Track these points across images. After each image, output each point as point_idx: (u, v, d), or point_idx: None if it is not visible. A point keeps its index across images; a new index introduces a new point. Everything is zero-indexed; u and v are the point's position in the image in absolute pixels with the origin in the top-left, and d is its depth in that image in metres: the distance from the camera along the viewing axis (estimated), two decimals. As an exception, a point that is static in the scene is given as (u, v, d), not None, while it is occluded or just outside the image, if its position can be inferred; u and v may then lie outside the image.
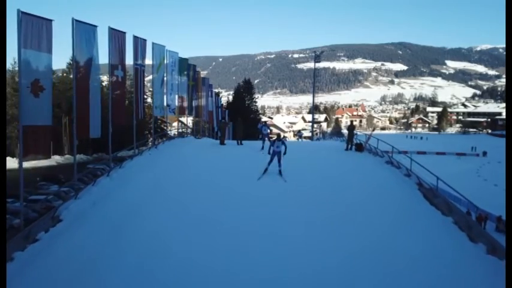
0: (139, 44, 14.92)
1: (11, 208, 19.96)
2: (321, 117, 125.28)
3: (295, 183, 11.37)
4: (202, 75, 27.26)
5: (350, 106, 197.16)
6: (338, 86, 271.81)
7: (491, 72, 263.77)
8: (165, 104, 18.46)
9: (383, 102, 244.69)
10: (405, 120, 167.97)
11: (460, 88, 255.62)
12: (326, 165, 13.75)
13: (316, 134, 66.29)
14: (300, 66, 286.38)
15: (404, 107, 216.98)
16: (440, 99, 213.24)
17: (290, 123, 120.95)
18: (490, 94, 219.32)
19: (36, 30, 8.42)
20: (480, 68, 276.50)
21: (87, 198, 9.74)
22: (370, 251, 7.54)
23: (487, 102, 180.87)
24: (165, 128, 49.15)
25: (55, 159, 48.98)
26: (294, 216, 9.13)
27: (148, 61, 16.30)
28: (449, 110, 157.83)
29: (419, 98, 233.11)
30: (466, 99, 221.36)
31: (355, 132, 17.41)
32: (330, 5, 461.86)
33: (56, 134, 52.48)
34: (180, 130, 28.12)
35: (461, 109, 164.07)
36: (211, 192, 10.49)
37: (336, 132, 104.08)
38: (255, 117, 67.94)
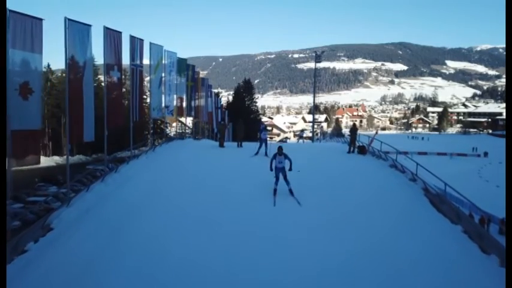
0: (136, 44, 14.51)
1: (9, 210, 19.50)
2: (321, 117, 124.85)
3: (295, 187, 10.92)
4: (202, 75, 26.87)
5: (350, 106, 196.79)
6: (338, 86, 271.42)
7: (492, 72, 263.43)
8: (163, 105, 18.08)
9: (383, 102, 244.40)
10: (405, 120, 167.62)
11: (460, 88, 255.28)
12: (327, 169, 13.30)
13: (317, 134, 65.83)
14: (300, 66, 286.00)
15: (404, 107, 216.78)
16: (440, 99, 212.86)
17: (290, 123, 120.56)
18: (490, 94, 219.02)
19: (26, 29, 8.02)
20: (480, 68, 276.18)
21: (79, 205, 9.33)
22: (375, 262, 7.17)
23: (487, 102, 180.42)
24: (165, 128, 48.87)
25: (54, 160, 48.65)
26: (294, 221, 8.86)
27: (146, 61, 15.93)
28: (449, 110, 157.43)
29: (419, 98, 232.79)
30: (466, 99, 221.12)
31: (357, 134, 17.02)
32: (330, 5, 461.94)
33: (55, 134, 52.13)
34: (180, 130, 27.71)
35: (462, 109, 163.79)
36: (210, 199, 10.10)
37: (337, 132, 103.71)
38: (255, 118, 67.61)
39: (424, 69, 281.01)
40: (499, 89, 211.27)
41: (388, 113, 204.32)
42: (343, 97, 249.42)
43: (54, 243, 7.71)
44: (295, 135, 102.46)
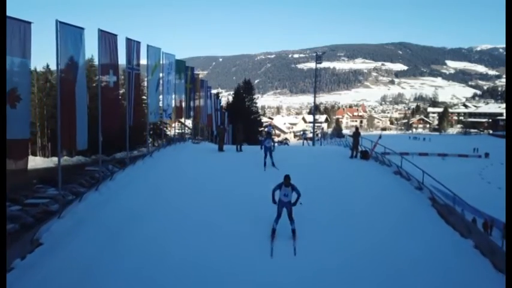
0: (133, 46, 14.08)
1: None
2: (322, 117, 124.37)
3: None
4: (202, 76, 26.53)
5: (350, 106, 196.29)
6: (338, 86, 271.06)
7: (492, 72, 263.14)
8: (161, 104, 17.70)
9: (383, 102, 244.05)
10: (406, 120, 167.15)
11: (461, 88, 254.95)
12: (329, 176, 12.77)
13: (317, 135, 65.33)
14: (300, 66, 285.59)
15: (404, 107, 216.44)
16: (440, 99, 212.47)
17: (290, 124, 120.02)
18: (490, 94, 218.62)
19: (13, 33, 7.58)
20: (480, 68, 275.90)
21: (71, 217, 8.88)
22: (381, 279, 6.77)
23: (487, 103, 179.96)
24: (164, 128, 48.49)
25: (53, 161, 48.22)
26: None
27: (144, 61, 15.51)
28: (450, 110, 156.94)
29: (419, 98, 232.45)
30: (467, 99, 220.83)
31: (360, 138, 16.57)
32: (330, 5, 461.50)
33: (55, 135, 51.67)
34: (180, 131, 27.27)
35: (462, 109, 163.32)
36: (205, 214, 9.68)
37: (337, 133, 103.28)
38: (255, 118, 67.17)
39: (424, 69, 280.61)
40: (499, 89, 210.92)
41: (388, 113, 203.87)
42: (343, 97, 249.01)
43: (40, 263, 7.25)
44: (295, 136, 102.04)
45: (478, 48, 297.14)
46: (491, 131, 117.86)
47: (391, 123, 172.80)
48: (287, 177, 8.28)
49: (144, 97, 19.90)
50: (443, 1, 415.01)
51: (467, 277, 6.94)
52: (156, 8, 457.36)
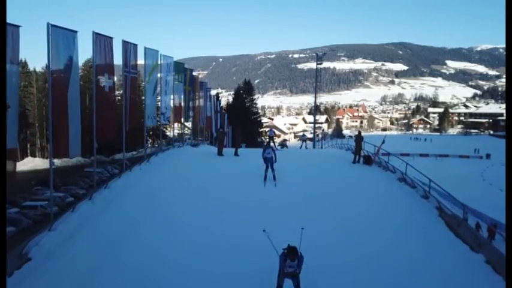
0: (130, 49, 13.68)
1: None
2: (322, 118, 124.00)
3: (294, 201, 10.13)
4: (202, 76, 26.21)
5: (351, 106, 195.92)
6: (338, 86, 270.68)
7: (492, 72, 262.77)
8: (159, 105, 17.31)
9: (383, 103, 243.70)
10: (406, 121, 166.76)
11: (461, 88, 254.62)
12: (331, 187, 12.05)
13: (318, 135, 64.92)
14: (300, 66, 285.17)
15: (404, 107, 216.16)
16: (440, 99, 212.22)
17: (291, 124, 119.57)
18: (490, 94, 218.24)
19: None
20: (480, 68, 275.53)
21: (63, 229, 8.47)
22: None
23: (488, 103, 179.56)
24: (164, 129, 48.05)
25: (53, 162, 47.68)
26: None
27: (142, 62, 15.14)
28: (450, 110, 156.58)
29: (419, 98, 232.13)
30: (467, 99, 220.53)
31: (363, 142, 16.17)
32: (330, 5, 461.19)
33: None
34: (180, 131, 26.86)
35: (463, 110, 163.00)
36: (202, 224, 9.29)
37: (337, 133, 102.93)
38: (256, 119, 66.79)
39: (425, 69, 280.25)
40: (500, 89, 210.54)
41: (388, 113, 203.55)
42: (343, 97, 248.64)
43: (32, 277, 6.88)
44: (295, 137, 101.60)
45: (478, 48, 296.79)
46: (491, 132, 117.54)
47: (392, 123, 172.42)
48: (293, 251, 6.06)
49: (144, 97, 19.59)
50: (443, 1, 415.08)
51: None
52: (156, 8, 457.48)
